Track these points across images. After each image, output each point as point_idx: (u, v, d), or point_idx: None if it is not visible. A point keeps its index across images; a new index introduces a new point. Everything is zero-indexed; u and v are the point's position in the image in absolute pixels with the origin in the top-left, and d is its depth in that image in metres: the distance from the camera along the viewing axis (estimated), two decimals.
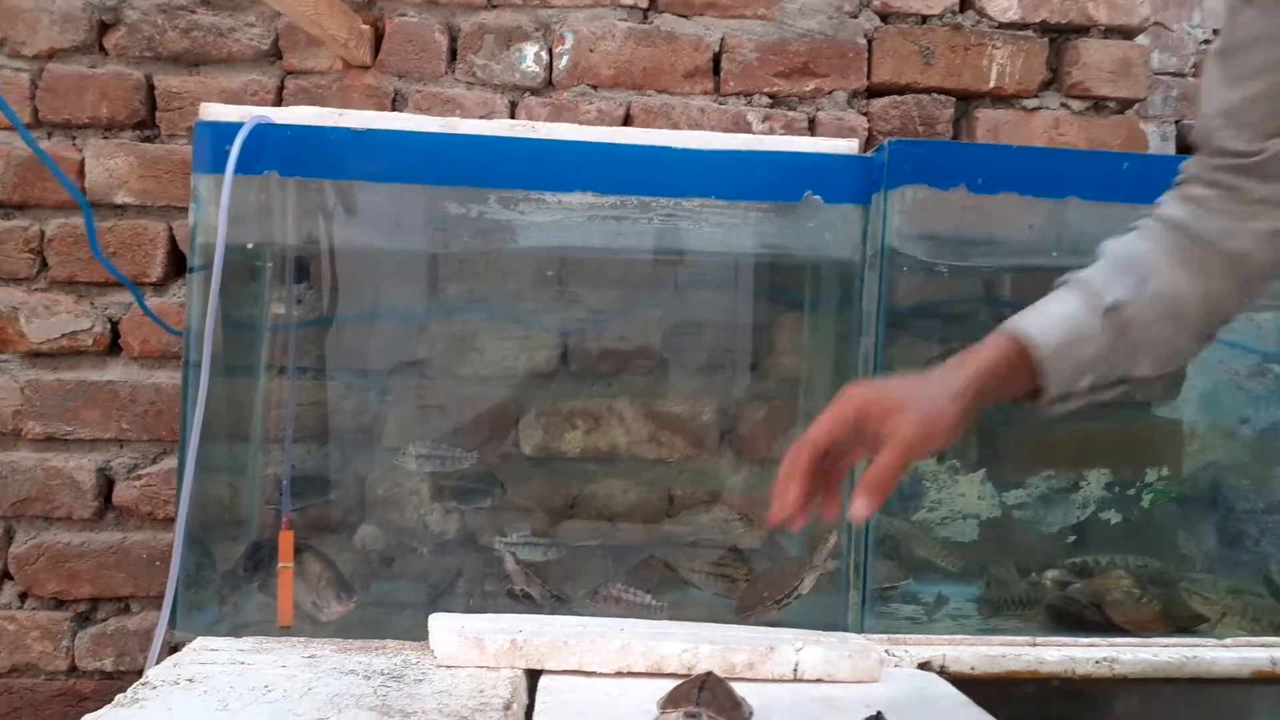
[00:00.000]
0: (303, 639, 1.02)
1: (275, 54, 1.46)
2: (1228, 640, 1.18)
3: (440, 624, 1.00)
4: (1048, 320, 0.76)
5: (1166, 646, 1.16)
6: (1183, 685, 1.16)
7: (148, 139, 1.46)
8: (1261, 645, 1.17)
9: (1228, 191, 0.75)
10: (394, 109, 1.47)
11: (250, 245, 1.11)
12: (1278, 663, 1.15)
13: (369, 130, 1.06)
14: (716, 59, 1.50)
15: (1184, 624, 1.22)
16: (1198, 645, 1.17)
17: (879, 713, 0.78)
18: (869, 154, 1.13)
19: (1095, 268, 0.79)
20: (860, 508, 0.70)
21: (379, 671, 0.93)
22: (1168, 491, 1.41)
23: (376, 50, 1.47)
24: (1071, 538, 1.39)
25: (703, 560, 1.25)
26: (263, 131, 1.04)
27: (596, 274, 1.33)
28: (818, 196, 1.11)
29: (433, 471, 1.34)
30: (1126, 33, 1.55)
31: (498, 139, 1.08)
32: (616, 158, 1.07)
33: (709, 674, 0.85)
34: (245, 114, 1.06)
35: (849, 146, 1.15)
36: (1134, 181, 1.12)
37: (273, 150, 1.04)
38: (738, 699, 0.83)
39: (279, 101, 1.45)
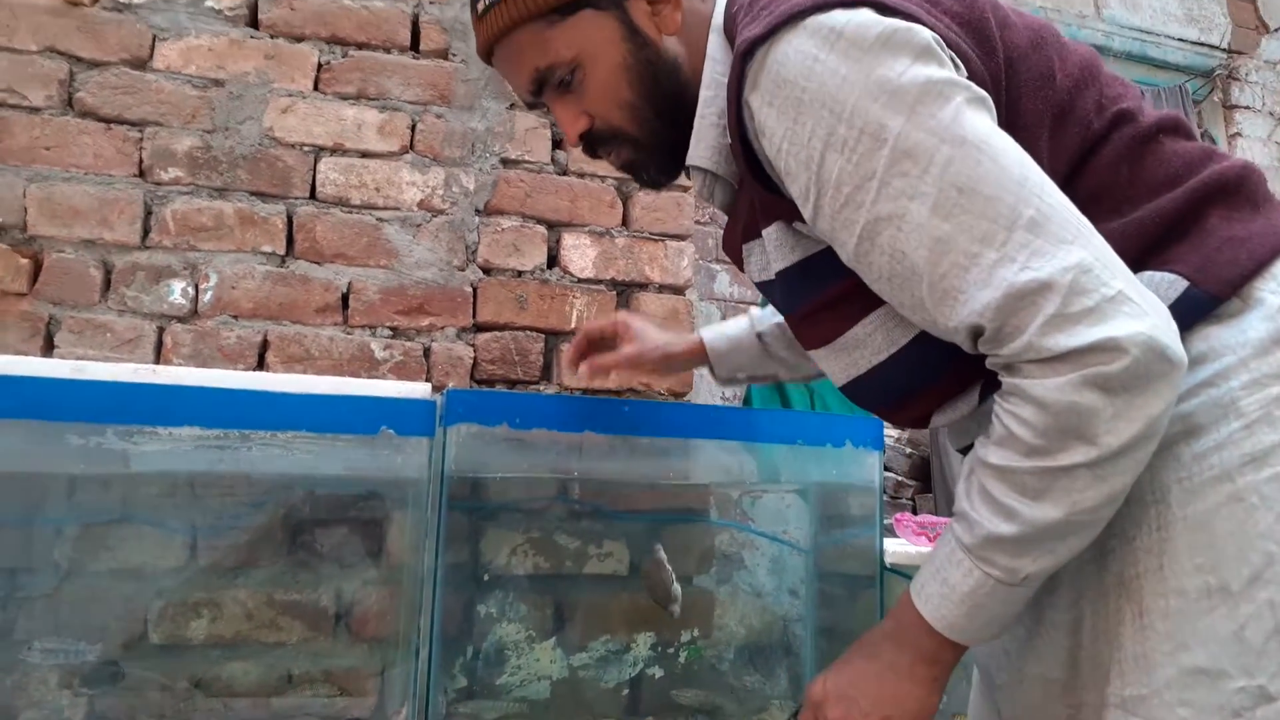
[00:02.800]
0: None
1: None
2: None
3: None
4: (722, 332, 1.30)
5: None
6: None
7: None
8: None
9: None
10: (48, 332, 1.66)
11: None
12: None
13: (2, 376, 1.27)
14: (345, 297, 1.82)
15: None
16: None
17: None
18: (434, 398, 1.47)
19: (768, 308, 1.27)
20: None
21: None
22: (699, 649, 1.80)
23: (34, 279, 1.67)
24: (625, 691, 1.74)
25: None
26: None
27: (221, 486, 1.56)
28: (391, 430, 1.42)
29: (57, 664, 1.49)
30: (676, 289, 2.03)
31: (120, 384, 1.31)
32: (219, 399, 1.34)
33: None
34: None
35: (422, 390, 1.48)
36: (633, 420, 1.53)
37: None
38: None
39: None
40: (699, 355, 1.30)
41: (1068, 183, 0.78)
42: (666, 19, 0.89)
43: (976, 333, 0.75)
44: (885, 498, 2.06)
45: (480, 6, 0.89)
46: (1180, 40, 2.82)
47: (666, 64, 0.89)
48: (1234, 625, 0.74)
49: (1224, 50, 2.93)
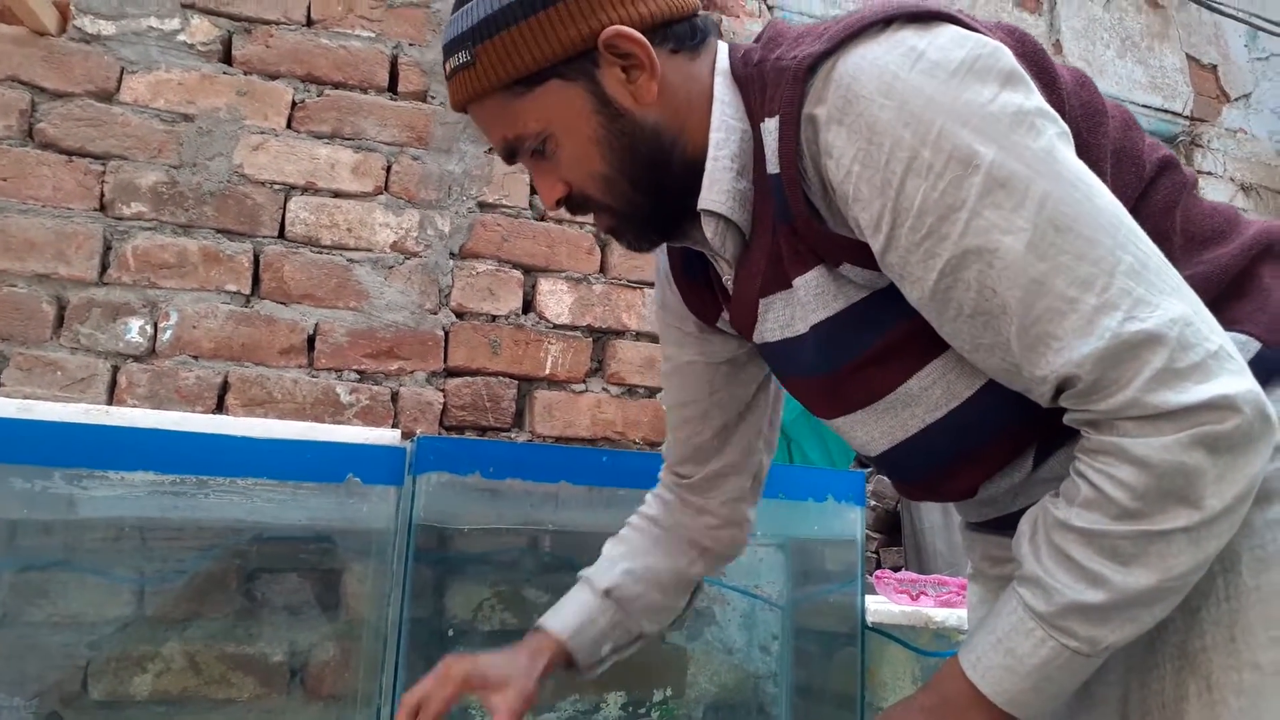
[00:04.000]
0: None
1: None
2: None
3: None
4: (565, 613, 1.07)
5: None
6: None
7: None
8: None
9: (679, 498, 1.10)
10: None
11: None
12: None
13: None
14: (312, 339, 1.76)
15: None
16: None
17: None
18: (403, 444, 1.41)
19: (597, 564, 1.11)
20: None
21: None
22: (671, 709, 1.73)
23: None
24: None
25: None
26: None
27: (173, 533, 1.48)
28: (358, 478, 1.36)
29: None
30: (654, 337, 1.99)
31: (70, 425, 1.24)
32: (176, 443, 1.27)
33: None
34: None
35: (391, 437, 1.42)
36: (612, 471, 1.48)
37: None
38: None
39: None
40: (560, 654, 1.06)
41: None
42: (643, 88, 0.83)
43: (1067, 384, 0.70)
44: None
45: (448, 69, 0.85)
46: (1145, 106, 2.88)
47: (645, 132, 0.83)
48: None
49: (1186, 118, 3.00)
